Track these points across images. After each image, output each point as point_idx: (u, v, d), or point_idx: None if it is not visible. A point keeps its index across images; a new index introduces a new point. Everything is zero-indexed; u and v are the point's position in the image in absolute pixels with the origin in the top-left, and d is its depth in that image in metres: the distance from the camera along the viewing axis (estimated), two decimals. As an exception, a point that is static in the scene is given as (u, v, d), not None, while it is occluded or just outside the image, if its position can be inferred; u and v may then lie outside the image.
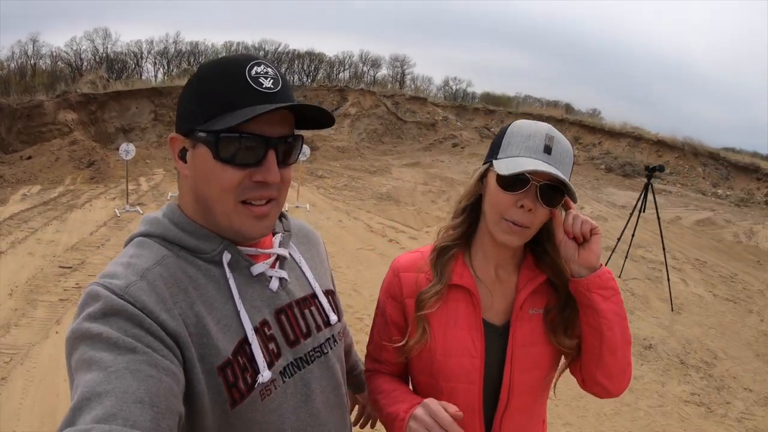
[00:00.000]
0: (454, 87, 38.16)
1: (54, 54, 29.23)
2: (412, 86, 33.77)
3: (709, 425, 4.12)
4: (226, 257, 1.07)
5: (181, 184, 1.12)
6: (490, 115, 24.97)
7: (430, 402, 1.23)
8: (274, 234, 1.25)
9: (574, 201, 1.31)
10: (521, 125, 1.36)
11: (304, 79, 31.99)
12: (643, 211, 6.97)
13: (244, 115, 0.97)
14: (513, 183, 1.27)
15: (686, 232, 10.79)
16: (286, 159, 1.08)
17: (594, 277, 1.29)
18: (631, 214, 7.23)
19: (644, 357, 5.13)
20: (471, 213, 1.44)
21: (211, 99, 1.01)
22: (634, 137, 20.04)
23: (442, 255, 1.42)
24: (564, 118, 22.44)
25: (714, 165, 18.34)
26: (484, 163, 1.41)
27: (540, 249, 1.44)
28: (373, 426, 1.71)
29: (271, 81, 1.03)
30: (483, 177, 1.40)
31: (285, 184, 1.11)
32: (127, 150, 9.53)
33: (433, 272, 1.41)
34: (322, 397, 1.20)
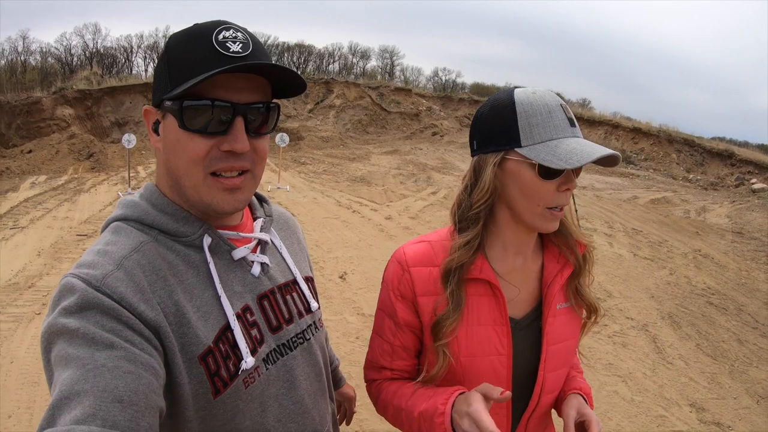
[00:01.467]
0: (443, 78, 39.56)
1: (44, 50, 30.43)
2: (402, 77, 34.99)
3: (585, 338, 5.50)
4: (206, 241, 1.06)
5: (158, 161, 1.11)
6: (476, 104, 25.86)
7: (473, 397, 1.16)
8: (255, 219, 1.25)
9: (615, 163, 1.20)
10: (531, 99, 1.23)
11: (295, 71, 33.13)
12: None
13: (200, 78, 0.94)
14: (555, 169, 1.18)
15: (637, 209, 12.11)
16: (259, 128, 1.05)
17: None
18: None
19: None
20: (487, 214, 1.32)
21: (176, 67, 0.99)
22: (612, 125, 21.33)
23: (458, 274, 1.29)
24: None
25: (689, 151, 19.62)
26: (490, 151, 1.27)
27: None
28: (348, 423, 1.72)
29: (240, 45, 1.00)
30: (497, 167, 1.27)
31: (259, 156, 1.07)
32: (129, 140, 10.98)
33: (450, 297, 1.28)
34: (306, 384, 1.20)
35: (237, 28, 1.02)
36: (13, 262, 6.74)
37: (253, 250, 1.18)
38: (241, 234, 1.16)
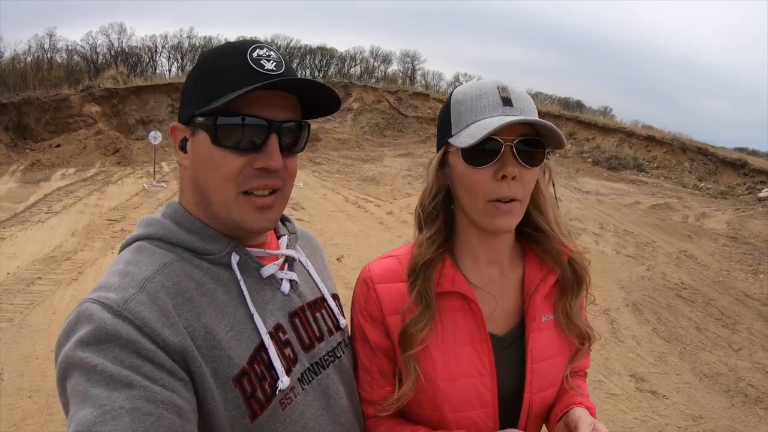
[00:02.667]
0: (464, 83, 39.75)
1: (70, 48, 31.43)
2: (422, 82, 35.52)
3: None
4: (235, 258, 1.06)
5: (183, 178, 1.11)
6: (494, 111, 26.67)
7: None
8: (279, 237, 1.25)
9: (562, 146, 1.17)
10: (465, 89, 1.23)
11: (315, 74, 33.80)
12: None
13: (238, 93, 0.96)
14: (483, 154, 1.13)
15: (635, 213, 12.66)
16: (290, 147, 1.07)
17: None
18: None
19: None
20: (444, 213, 1.29)
21: (210, 83, 1.00)
22: (625, 133, 21.67)
23: (424, 273, 1.23)
24: (561, 114, 24.13)
25: (702, 160, 19.79)
26: (438, 150, 1.28)
27: (529, 227, 1.30)
28: None
29: (274, 63, 1.02)
30: (442, 165, 1.26)
31: (290, 174, 1.08)
32: (155, 136, 12.22)
33: (416, 299, 1.22)
34: (341, 403, 1.18)
35: (269, 48, 1.05)
36: (50, 240, 7.81)
37: (281, 268, 1.17)
38: (269, 251, 1.16)
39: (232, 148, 1.01)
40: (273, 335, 1.07)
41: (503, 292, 1.30)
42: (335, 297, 1.33)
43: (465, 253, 1.30)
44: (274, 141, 1.02)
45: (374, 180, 14.36)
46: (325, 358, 1.19)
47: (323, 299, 1.27)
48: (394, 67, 38.26)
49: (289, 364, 1.08)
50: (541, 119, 1.11)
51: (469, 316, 1.24)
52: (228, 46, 1.08)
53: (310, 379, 1.13)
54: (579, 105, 33.54)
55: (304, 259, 1.28)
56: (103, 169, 14.71)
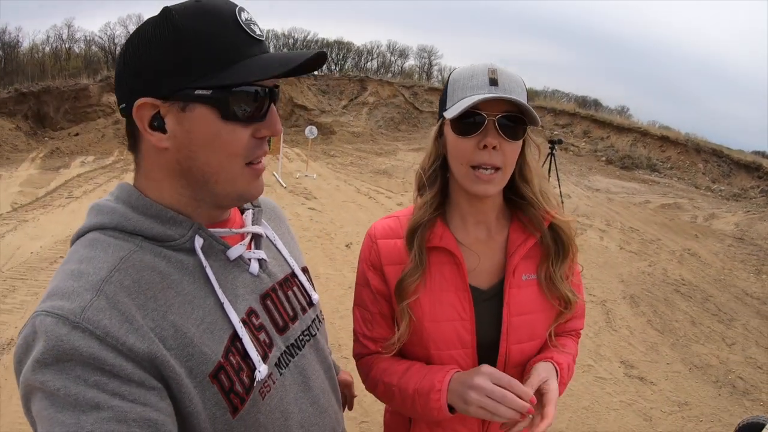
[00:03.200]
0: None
1: (88, 39, 31.46)
2: (439, 77, 35.07)
3: None
4: (198, 242, 0.99)
5: (148, 161, 0.99)
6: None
7: (487, 368, 1.25)
8: (242, 211, 1.19)
9: (535, 123, 1.29)
10: (460, 70, 1.37)
11: (332, 68, 33.83)
12: (549, 175, 9.01)
13: (267, 69, 0.92)
14: (469, 126, 1.28)
15: (644, 211, 12.72)
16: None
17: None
18: None
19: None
20: (441, 179, 1.44)
21: (205, 51, 0.90)
22: (640, 132, 21.55)
23: (421, 232, 1.39)
24: (576, 112, 24.15)
25: (716, 162, 19.70)
26: (437, 123, 1.43)
27: (516, 195, 1.44)
28: (350, 408, 1.69)
29: (258, 28, 0.97)
30: (439, 136, 1.42)
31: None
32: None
33: (411, 255, 1.39)
34: (318, 383, 1.18)
35: (245, 9, 0.97)
36: (71, 223, 8.15)
37: (248, 247, 1.11)
38: (233, 230, 1.09)
39: (243, 120, 0.95)
40: (246, 322, 1.02)
41: (488, 250, 1.45)
42: (305, 270, 1.30)
43: (455, 214, 1.46)
44: (274, 108, 1.00)
45: (386, 173, 14.56)
46: (300, 338, 1.18)
47: (293, 275, 1.23)
48: (410, 62, 38.11)
49: (265, 350, 1.04)
50: (516, 98, 1.25)
51: (454, 268, 1.40)
52: (208, 6, 0.93)
53: (287, 362, 1.11)
54: (596, 104, 33.11)
55: (271, 234, 1.22)
56: (122, 157, 14.99)
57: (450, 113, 1.30)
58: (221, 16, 0.93)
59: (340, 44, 35.47)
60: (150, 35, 0.92)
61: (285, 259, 1.23)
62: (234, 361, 0.97)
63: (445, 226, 1.43)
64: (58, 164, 13.45)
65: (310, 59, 0.96)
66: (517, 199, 1.46)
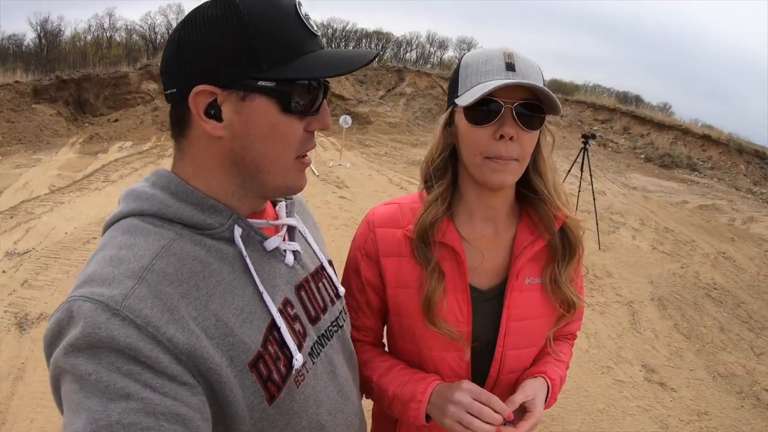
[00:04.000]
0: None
1: (129, 27, 32.99)
2: None
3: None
4: (237, 232, 0.99)
5: (197, 148, 0.98)
6: (548, 101, 26.38)
7: (467, 383, 1.25)
8: (274, 203, 1.19)
9: (556, 112, 1.21)
10: (473, 54, 1.29)
11: (372, 58, 33.79)
12: (582, 171, 8.92)
13: (331, 67, 0.94)
14: (484, 115, 1.20)
15: (681, 212, 12.46)
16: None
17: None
18: (568, 173, 9.50)
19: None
20: (452, 171, 1.36)
21: (271, 43, 0.91)
22: (681, 130, 21.10)
23: (431, 231, 1.33)
24: (616, 107, 23.68)
25: (759, 163, 19.27)
26: (446, 110, 1.34)
27: (528, 189, 1.37)
28: (368, 397, 1.64)
29: (314, 23, 0.98)
30: (449, 124, 1.33)
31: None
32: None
33: (428, 268, 1.32)
34: (343, 372, 1.21)
35: (302, 2, 0.98)
36: (106, 206, 8.43)
37: (283, 239, 1.12)
38: (271, 221, 1.10)
39: (299, 113, 0.96)
40: (282, 311, 1.03)
41: (493, 249, 1.38)
42: (330, 263, 1.30)
43: (462, 208, 1.38)
44: (325, 103, 1.02)
45: (420, 164, 14.30)
46: (329, 329, 1.20)
47: (322, 267, 1.25)
48: (450, 54, 38.07)
49: (300, 340, 1.06)
50: (537, 84, 1.18)
51: (454, 266, 1.33)
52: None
53: (318, 352, 1.13)
54: (637, 100, 32.89)
55: (302, 227, 1.22)
56: (159, 143, 15.31)
57: (463, 100, 1.23)
58: (284, 9, 0.94)
59: (379, 35, 36.00)
60: (211, 22, 0.91)
61: (314, 252, 1.24)
62: (272, 351, 0.98)
63: (450, 220, 1.36)
64: (96, 149, 13.80)
65: (371, 56, 0.98)
66: (528, 193, 1.38)
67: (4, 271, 6.27)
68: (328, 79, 1.02)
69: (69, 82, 17.93)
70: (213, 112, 0.93)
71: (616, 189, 14.08)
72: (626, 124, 22.58)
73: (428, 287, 1.31)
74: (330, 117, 1.03)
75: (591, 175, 9.07)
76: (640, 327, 6.05)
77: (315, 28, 0.97)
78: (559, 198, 1.36)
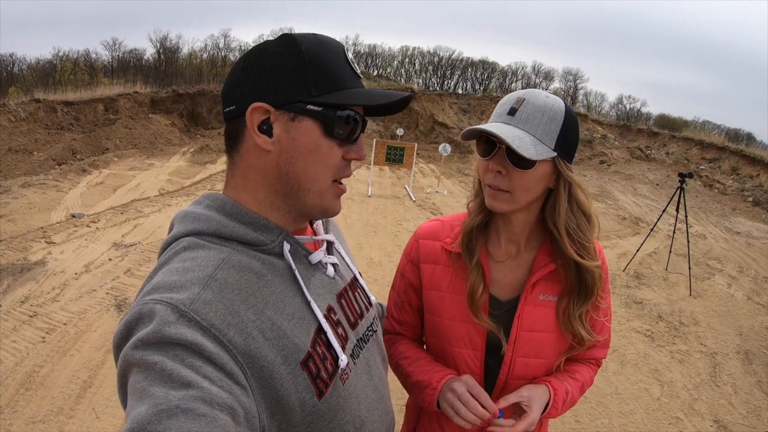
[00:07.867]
0: (627, 106, 38.65)
1: (243, 48, 34.57)
2: (584, 102, 34.67)
3: (644, 347, 6.21)
4: (286, 247, 1.10)
5: (246, 161, 1.10)
6: (654, 137, 25.54)
7: (469, 378, 1.44)
8: (312, 222, 1.30)
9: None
10: (507, 96, 1.42)
11: (477, 87, 33.97)
12: (677, 211, 8.71)
13: (370, 97, 1.07)
14: (486, 149, 1.39)
15: None
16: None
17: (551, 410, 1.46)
18: (663, 212, 9.31)
19: (629, 306, 7.37)
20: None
21: (322, 74, 1.04)
22: None
23: (475, 236, 1.54)
24: (725, 146, 22.63)
25: None
26: None
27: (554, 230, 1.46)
28: None
29: (358, 66, 1.12)
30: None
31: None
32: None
33: (470, 265, 1.51)
34: (377, 372, 1.31)
35: (349, 48, 1.12)
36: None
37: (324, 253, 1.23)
38: (314, 237, 1.23)
39: (340, 139, 1.07)
40: (327, 317, 1.13)
41: (515, 265, 1.53)
42: (360, 275, 1.41)
43: (493, 228, 1.57)
44: (362, 135, 1.13)
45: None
46: (366, 333, 1.30)
47: (356, 279, 1.35)
48: (555, 85, 37.57)
49: (343, 342, 1.16)
50: (496, 132, 1.29)
51: (479, 275, 1.50)
52: (325, 39, 1.09)
53: (358, 354, 1.22)
54: (749, 137, 31.12)
55: (338, 244, 1.33)
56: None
57: (461, 136, 1.43)
58: (334, 49, 1.08)
59: (485, 64, 35.81)
60: (273, 52, 1.05)
61: (348, 265, 1.35)
62: (320, 351, 1.07)
63: (478, 235, 1.54)
64: (205, 159, 14.72)
65: (405, 99, 1.11)
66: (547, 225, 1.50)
67: (110, 259, 7.24)
68: (367, 118, 1.16)
69: (184, 96, 19.19)
70: (265, 128, 1.05)
71: (717, 233, 13.40)
72: (735, 164, 21.45)
73: (472, 281, 1.49)
74: (365, 149, 1.15)
75: (686, 216, 8.76)
76: (720, 380, 5.72)
77: (358, 70, 1.12)
78: (572, 241, 1.45)
